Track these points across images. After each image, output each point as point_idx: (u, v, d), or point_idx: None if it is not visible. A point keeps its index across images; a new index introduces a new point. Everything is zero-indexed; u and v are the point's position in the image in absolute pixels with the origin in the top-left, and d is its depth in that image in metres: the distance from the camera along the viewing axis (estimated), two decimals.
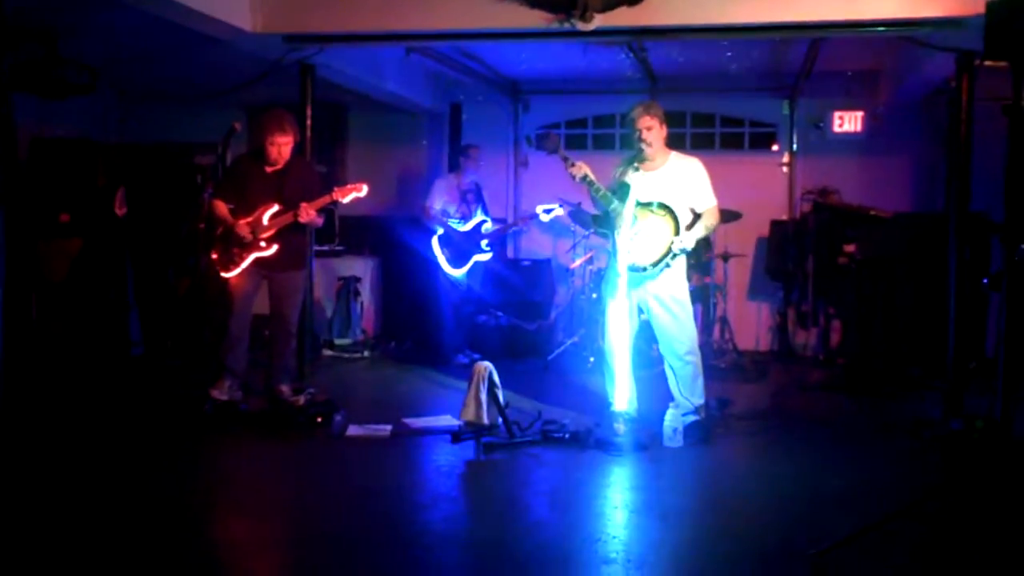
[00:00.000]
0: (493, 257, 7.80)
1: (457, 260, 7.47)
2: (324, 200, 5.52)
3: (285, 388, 5.69)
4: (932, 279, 6.03)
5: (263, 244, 5.48)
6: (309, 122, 6.66)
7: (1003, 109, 3.18)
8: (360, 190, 5.56)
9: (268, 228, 5.47)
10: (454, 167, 8.07)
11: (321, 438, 5.15)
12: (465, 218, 7.57)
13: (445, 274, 7.48)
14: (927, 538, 3.51)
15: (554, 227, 8.64)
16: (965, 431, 4.51)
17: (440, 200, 7.53)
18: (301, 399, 5.51)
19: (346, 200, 5.54)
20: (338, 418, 5.27)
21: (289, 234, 5.54)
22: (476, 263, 7.57)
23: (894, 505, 3.48)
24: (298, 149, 5.90)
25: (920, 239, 6.57)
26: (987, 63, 3.40)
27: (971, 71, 5.95)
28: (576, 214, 7.66)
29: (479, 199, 7.70)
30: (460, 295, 7.60)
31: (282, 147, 5.49)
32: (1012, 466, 3.35)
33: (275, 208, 5.48)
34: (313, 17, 6.01)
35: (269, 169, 5.56)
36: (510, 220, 8.51)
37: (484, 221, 7.64)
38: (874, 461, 4.84)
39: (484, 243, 7.58)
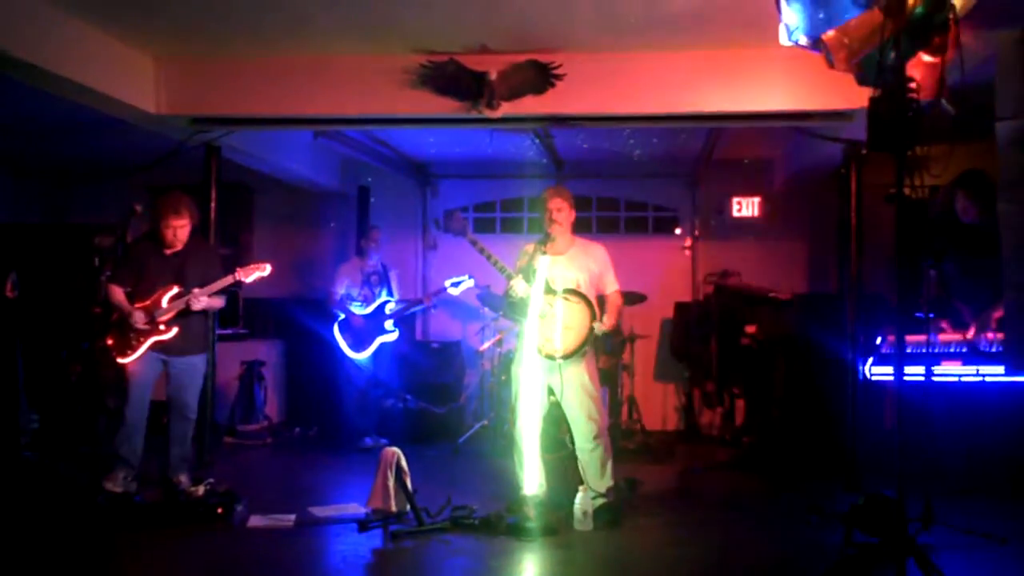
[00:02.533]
0: (401, 339, 7.76)
1: (359, 344, 7.45)
2: (226, 281, 5.42)
3: (183, 478, 5.47)
4: (829, 359, 6.21)
5: (162, 328, 5.33)
6: (213, 204, 6.58)
7: (885, 198, 3.36)
8: (263, 269, 5.50)
9: (167, 311, 5.33)
10: (361, 250, 8.03)
11: (221, 530, 4.93)
12: (367, 301, 7.59)
13: (350, 359, 7.46)
14: None
15: (463, 309, 8.65)
16: (864, 507, 4.59)
17: (343, 284, 7.59)
18: (200, 489, 5.28)
19: (249, 280, 5.47)
20: (239, 508, 5.08)
21: (189, 317, 5.41)
22: (381, 345, 7.52)
23: None
24: (201, 230, 5.81)
25: (818, 319, 6.79)
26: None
27: (859, 159, 6.29)
28: (485, 296, 7.70)
29: (384, 281, 7.74)
30: (365, 379, 7.53)
31: (178, 230, 5.40)
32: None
33: (174, 290, 5.35)
34: (219, 100, 5.98)
35: (167, 251, 5.45)
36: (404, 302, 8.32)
37: (387, 301, 7.64)
38: (777, 540, 4.89)
39: (388, 323, 7.55)
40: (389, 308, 7.61)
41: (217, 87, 5.96)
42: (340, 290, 7.57)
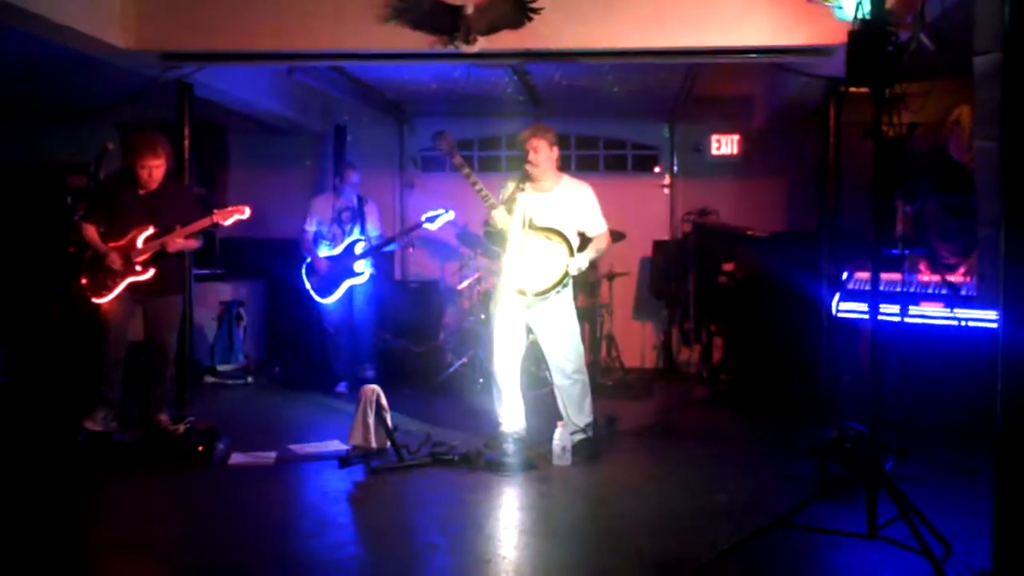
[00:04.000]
0: (379, 278, 7.46)
1: (325, 288, 7.14)
2: (203, 223, 5.37)
3: (164, 417, 5.49)
4: (805, 297, 6.26)
5: (138, 268, 5.29)
6: (187, 143, 6.48)
7: (864, 132, 3.35)
8: (242, 212, 5.45)
9: (143, 252, 5.29)
10: (335, 188, 7.68)
11: (202, 468, 4.98)
12: (335, 240, 7.20)
13: (320, 303, 7.22)
14: (803, 544, 3.64)
15: (442, 248, 8.63)
16: (837, 441, 4.68)
17: (313, 221, 7.27)
18: (181, 428, 5.29)
19: (228, 223, 5.42)
20: (220, 446, 5.12)
21: (165, 257, 5.37)
22: (353, 287, 7.17)
23: (773, 516, 3.59)
24: (175, 171, 5.73)
25: (795, 258, 6.83)
26: (852, 90, 3.57)
27: (838, 97, 6.27)
28: (464, 235, 7.67)
29: (356, 217, 7.26)
30: (336, 323, 7.24)
31: (153, 170, 5.33)
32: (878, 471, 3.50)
33: (150, 231, 5.30)
34: (190, 35, 5.84)
35: (141, 192, 5.38)
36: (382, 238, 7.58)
37: (357, 241, 7.20)
38: (754, 473, 4.98)
39: (359, 264, 7.13)
40: (359, 248, 7.18)
41: (187, 21, 5.80)
42: (311, 227, 7.25)
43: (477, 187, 5.15)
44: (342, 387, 7.18)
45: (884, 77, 3.26)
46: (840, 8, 3.34)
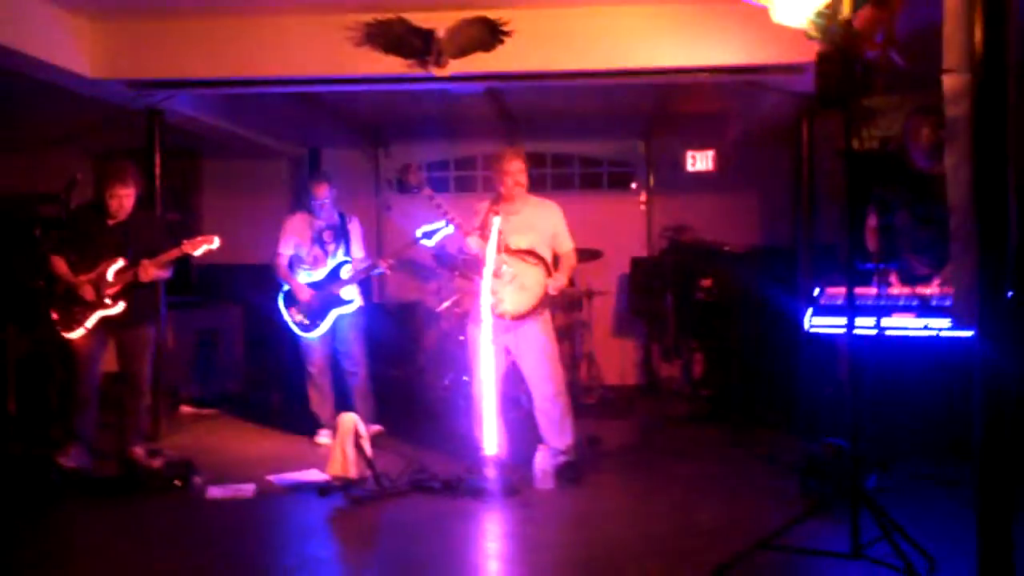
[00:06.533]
0: (365, 304, 6.51)
1: (310, 321, 6.20)
2: (172, 254, 5.31)
3: (139, 451, 5.37)
4: (783, 312, 6.27)
5: (108, 301, 5.22)
6: (158, 170, 6.43)
7: (836, 152, 3.36)
8: (211, 242, 5.37)
9: (113, 284, 5.22)
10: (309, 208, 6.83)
11: (180, 502, 4.89)
12: (317, 263, 6.27)
13: (302, 338, 6.27)
14: (787, 566, 3.61)
15: (420, 269, 8.58)
16: (821, 456, 4.68)
17: (290, 243, 6.30)
18: (157, 462, 5.21)
19: (197, 253, 5.35)
20: (197, 480, 5.04)
21: (136, 288, 5.31)
22: (340, 318, 6.26)
23: (757, 536, 3.57)
24: (146, 198, 5.67)
25: (772, 272, 6.84)
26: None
27: (811, 112, 6.31)
28: (441, 256, 7.61)
29: (340, 236, 6.35)
30: (320, 362, 6.29)
31: (123, 199, 5.28)
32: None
33: (120, 263, 5.24)
34: (159, 62, 5.82)
35: (111, 222, 5.32)
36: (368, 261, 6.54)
37: (344, 263, 6.30)
38: (737, 491, 4.96)
39: (347, 291, 6.26)
40: (346, 272, 6.29)
41: (156, 49, 5.79)
42: (286, 250, 6.29)
43: (449, 216, 5.15)
44: (324, 436, 6.23)
45: (853, 98, 3.27)
46: (809, 29, 3.35)
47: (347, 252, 6.35)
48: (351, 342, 6.30)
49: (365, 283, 6.51)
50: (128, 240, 5.31)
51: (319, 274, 6.28)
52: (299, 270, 6.31)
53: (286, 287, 6.26)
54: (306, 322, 6.20)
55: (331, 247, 6.32)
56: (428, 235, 6.12)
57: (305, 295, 6.18)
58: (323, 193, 6.29)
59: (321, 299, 6.22)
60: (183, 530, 4.50)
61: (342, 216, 6.43)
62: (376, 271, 6.44)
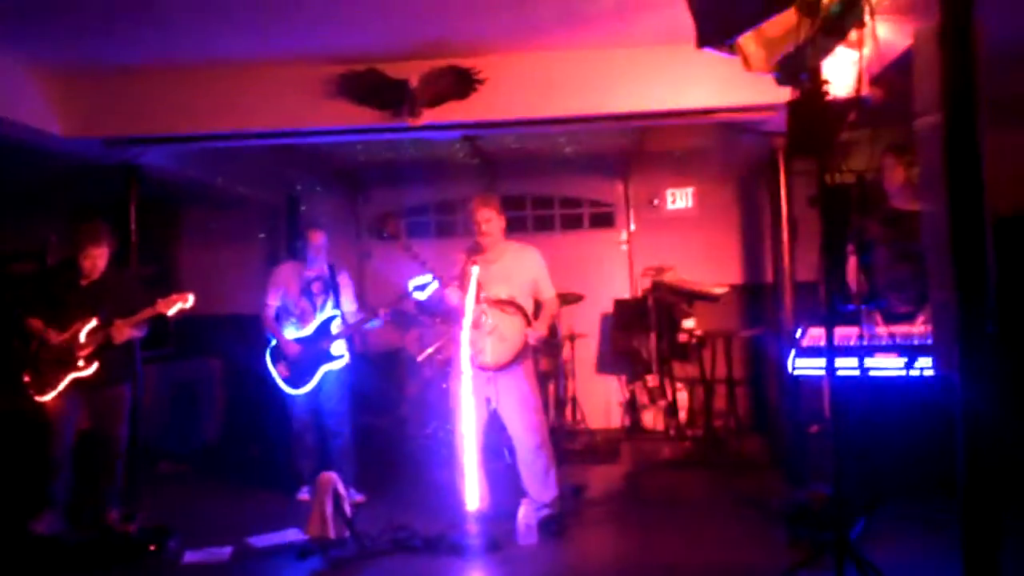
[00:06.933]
0: (352, 359, 6.26)
1: (297, 377, 5.97)
2: (145, 314, 5.23)
3: (114, 515, 5.28)
4: (766, 352, 6.23)
5: (81, 364, 5.12)
6: (134, 225, 6.37)
7: (809, 201, 3.33)
8: (185, 300, 5.28)
9: (86, 345, 5.13)
10: (297, 253, 6.82)
11: (155, 568, 4.76)
12: (304, 317, 6.05)
13: (288, 393, 6.05)
14: None
15: (402, 317, 8.49)
16: (807, 504, 4.61)
17: (278, 295, 6.10)
18: (131, 526, 5.10)
19: (171, 312, 5.26)
20: (173, 544, 4.92)
21: (110, 347, 5.21)
22: (327, 374, 6.03)
23: None
24: (121, 253, 5.60)
25: (753, 311, 6.81)
26: None
27: (787, 151, 6.30)
28: (422, 304, 7.52)
29: (329, 289, 6.14)
30: (305, 419, 6.07)
31: (96, 259, 5.22)
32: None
33: (93, 323, 5.15)
34: (131, 119, 5.78)
35: (84, 282, 5.24)
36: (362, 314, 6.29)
37: (332, 317, 6.09)
38: (725, 538, 4.88)
39: (336, 346, 6.03)
40: (335, 327, 6.07)
41: (128, 106, 5.75)
42: (274, 302, 6.10)
43: (427, 267, 5.08)
44: (304, 492, 5.97)
45: (824, 144, 3.25)
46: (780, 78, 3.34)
47: (336, 305, 6.14)
48: (337, 400, 6.08)
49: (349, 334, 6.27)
50: (101, 300, 5.23)
51: (308, 329, 6.06)
52: (287, 324, 6.10)
53: (274, 341, 6.05)
54: (293, 378, 6.00)
55: (319, 300, 6.11)
56: (420, 288, 5.79)
57: (292, 350, 5.97)
58: (320, 240, 6.15)
59: (309, 354, 5.99)
60: None
61: (331, 268, 6.24)
62: (375, 323, 6.20)
